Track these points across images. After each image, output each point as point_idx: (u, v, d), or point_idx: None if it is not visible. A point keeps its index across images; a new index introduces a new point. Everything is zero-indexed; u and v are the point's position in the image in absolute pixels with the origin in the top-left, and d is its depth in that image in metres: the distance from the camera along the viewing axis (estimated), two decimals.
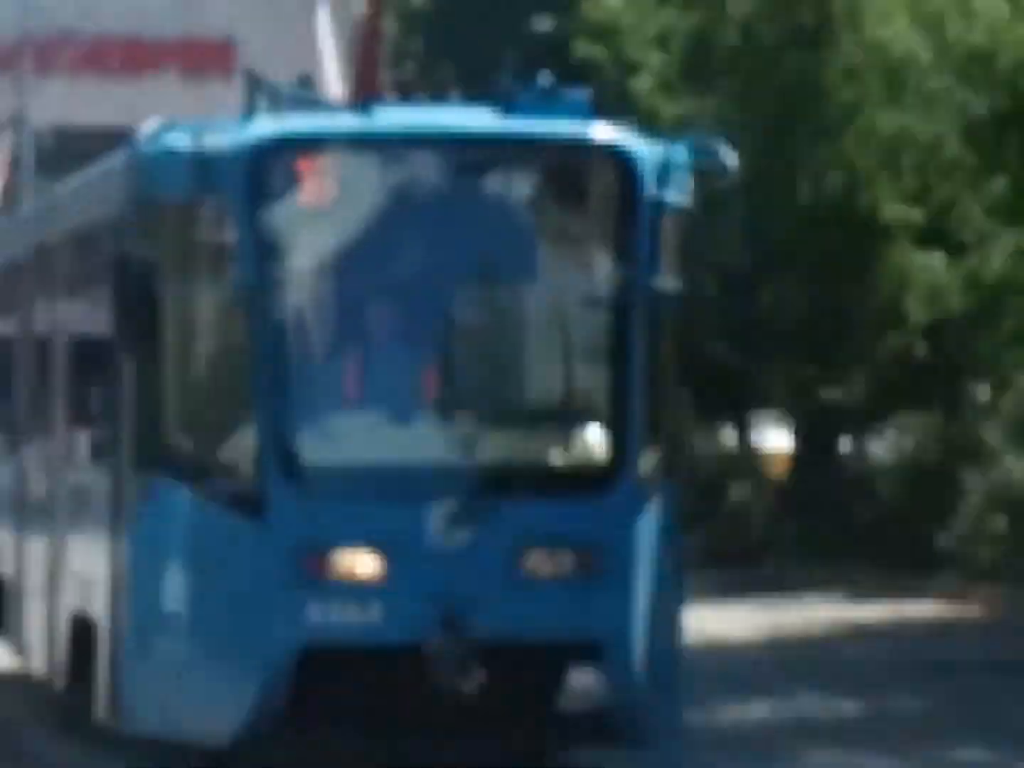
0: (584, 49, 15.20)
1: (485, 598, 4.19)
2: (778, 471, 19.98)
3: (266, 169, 4.31)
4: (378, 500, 4.20)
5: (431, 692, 4.07)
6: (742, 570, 16.87)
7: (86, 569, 5.36)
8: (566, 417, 4.71)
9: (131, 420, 4.64)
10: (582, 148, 4.81)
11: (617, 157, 4.63)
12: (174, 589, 4.34)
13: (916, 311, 13.98)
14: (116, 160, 5.37)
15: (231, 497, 4.27)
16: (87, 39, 24.19)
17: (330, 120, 4.94)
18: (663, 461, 4.67)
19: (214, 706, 4.22)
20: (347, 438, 4.31)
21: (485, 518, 4.21)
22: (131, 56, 25.51)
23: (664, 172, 4.61)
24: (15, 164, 22.15)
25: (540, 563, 4.37)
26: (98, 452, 5.46)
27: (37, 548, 6.57)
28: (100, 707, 4.87)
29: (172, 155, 4.36)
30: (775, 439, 20.43)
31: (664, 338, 4.76)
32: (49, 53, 23.40)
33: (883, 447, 19.48)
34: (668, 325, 4.76)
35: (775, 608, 13.17)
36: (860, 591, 14.52)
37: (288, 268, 4.34)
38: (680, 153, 4.73)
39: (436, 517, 4.16)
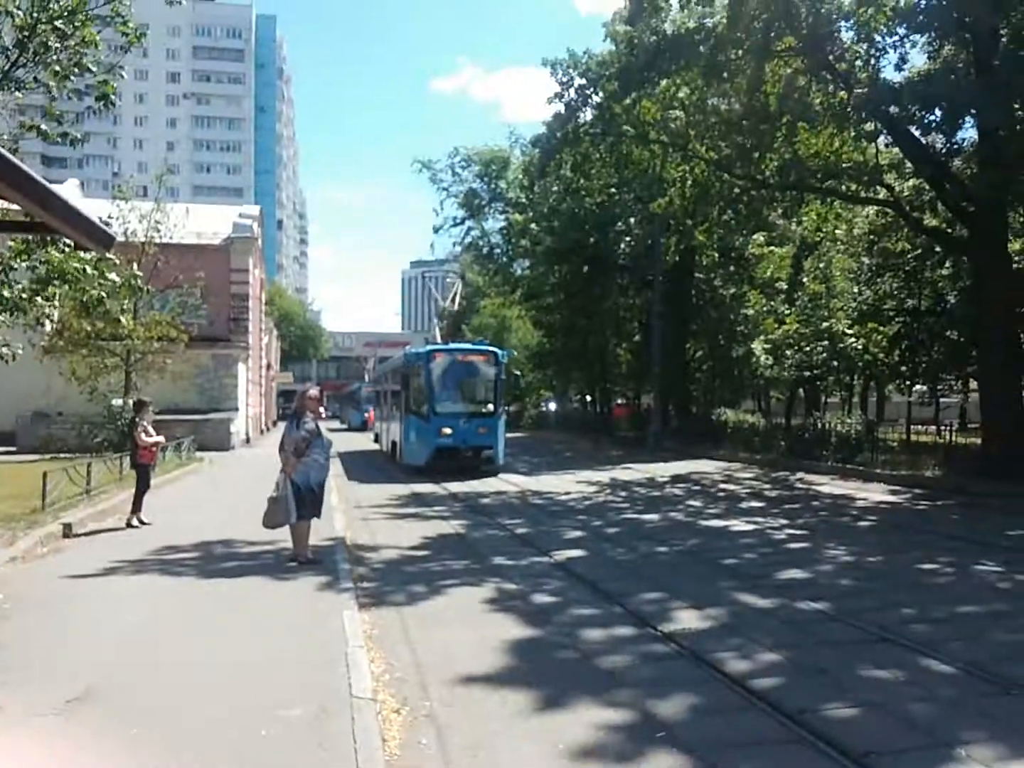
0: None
1: (471, 437, 21.18)
2: None
3: (430, 357, 22.05)
4: (452, 419, 21.13)
5: (461, 457, 21.19)
6: None
7: (395, 431, 24.91)
8: (487, 403, 22.30)
9: (404, 405, 22.63)
10: (491, 352, 22.98)
11: (497, 354, 22.77)
12: (411, 436, 21.99)
13: None
14: (401, 354, 26.96)
15: (423, 418, 21.30)
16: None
17: (442, 347, 24.97)
18: (503, 410, 23.42)
19: (419, 457, 21.45)
20: (444, 407, 21.34)
21: (470, 422, 21.38)
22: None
23: (505, 356, 23.47)
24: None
25: (481, 430, 21.40)
26: (398, 410, 24.19)
27: (385, 428, 29.00)
28: (397, 456, 24.11)
29: (412, 354, 23.45)
30: None
31: (504, 388, 23.54)
32: None
33: None
34: (505, 387, 23.66)
35: None
36: None
37: (433, 372, 21.59)
38: (504, 353, 23.68)
39: (461, 421, 21.21)
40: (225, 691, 5.10)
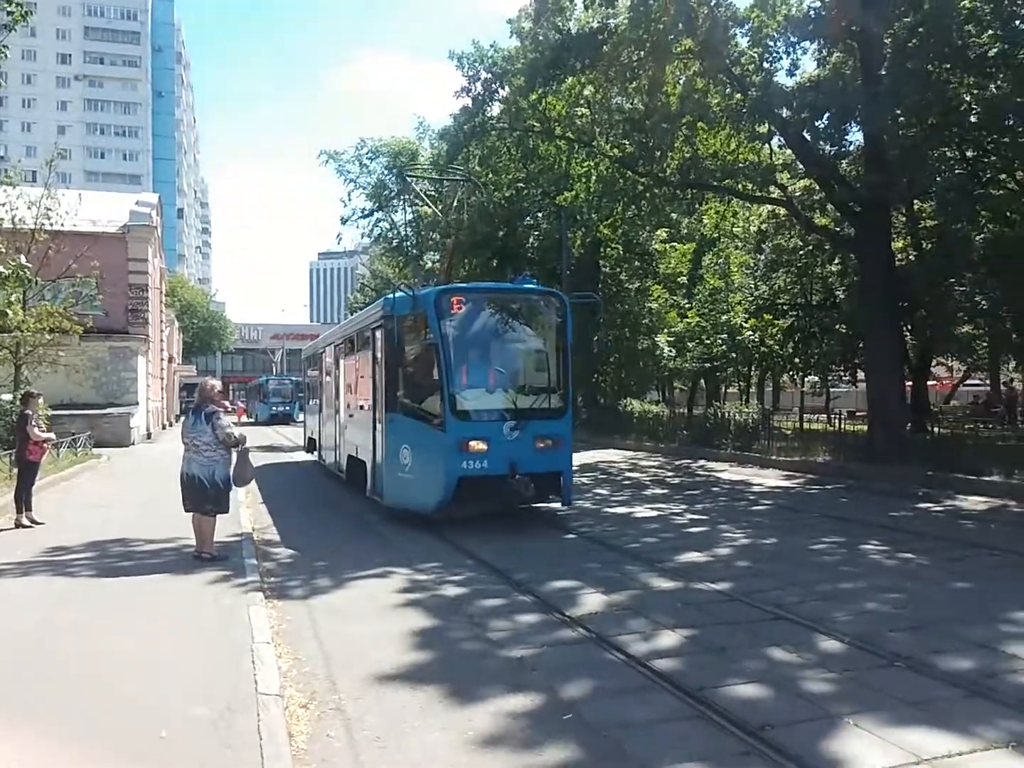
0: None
1: (523, 458, 10.92)
2: None
3: (440, 302, 11.13)
4: (485, 423, 10.98)
5: (506, 491, 10.85)
6: None
7: (361, 442, 13.60)
8: (547, 392, 11.79)
9: (385, 398, 11.87)
10: (542, 292, 12.73)
11: (561, 298, 12.31)
12: (404, 456, 11.42)
13: None
14: (379, 303, 12.83)
15: (432, 423, 11.04)
16: None
17: (463, 286, 13.76)
18: (571, 406, 12.14)
19: (427, 496, 11.08)
20: (471, 401, 11.08)
21: (523, 428, 11.06)
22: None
23: (569, 303, 12.23)
24: None
25: (541, 444, 11.20)
26: (371, 404, 12.87)
27: (335, 435, 16.82)
28: (369, 488, 12.88)
29: (402, 300, 11.59)
30: None
31: (572, 364, 12.06)
32: None
33: None
34: (573, 359, 12.12)
35: None
36: None
37: (448, 332, 11.05)
38: (567, 297, 12.52)
39: (505, 428, 10.98)
40: (126, 692, 4.97)
